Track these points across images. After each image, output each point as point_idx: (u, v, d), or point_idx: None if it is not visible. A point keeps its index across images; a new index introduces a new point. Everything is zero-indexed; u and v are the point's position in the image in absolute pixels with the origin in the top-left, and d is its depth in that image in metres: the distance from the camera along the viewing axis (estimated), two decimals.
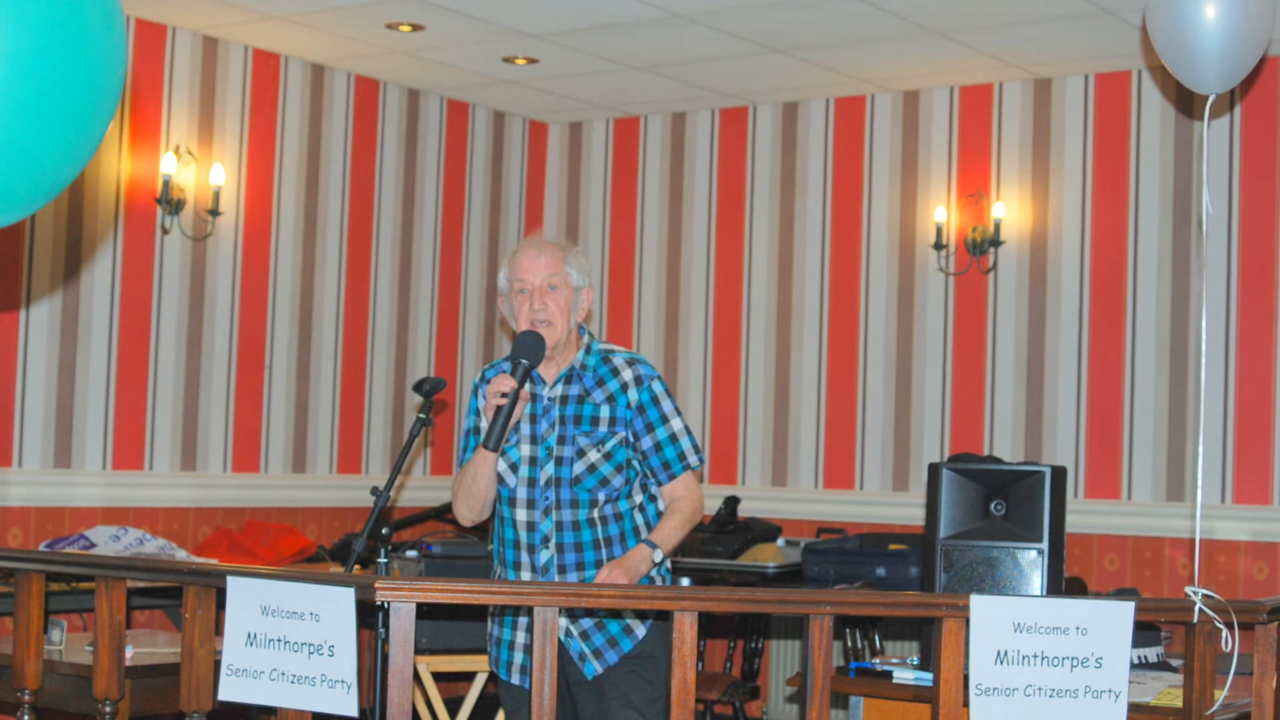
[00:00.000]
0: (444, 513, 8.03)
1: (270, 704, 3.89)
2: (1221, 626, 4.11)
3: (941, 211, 8.14)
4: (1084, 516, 7.63)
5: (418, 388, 4.68)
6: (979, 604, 3.94)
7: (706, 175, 8.88)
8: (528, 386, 4.56)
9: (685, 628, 3.84)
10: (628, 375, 4.63)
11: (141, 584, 5.86)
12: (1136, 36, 7.18)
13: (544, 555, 4.57)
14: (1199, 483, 4.47)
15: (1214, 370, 7.49)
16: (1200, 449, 4.55)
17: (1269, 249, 7.46)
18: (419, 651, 5.86)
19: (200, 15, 7.37)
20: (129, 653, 4.92)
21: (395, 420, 8.56)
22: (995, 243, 8.01)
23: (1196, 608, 4.08)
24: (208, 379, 7.72)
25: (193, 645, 4.14)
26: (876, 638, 6.49)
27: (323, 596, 3.78)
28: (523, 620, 4.58)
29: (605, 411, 4.59)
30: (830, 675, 3.93)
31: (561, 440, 4.58)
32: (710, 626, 8.02)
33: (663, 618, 4.50)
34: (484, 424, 4.59)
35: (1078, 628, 3.94)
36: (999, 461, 4.97)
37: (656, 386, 4.65)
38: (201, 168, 7.61)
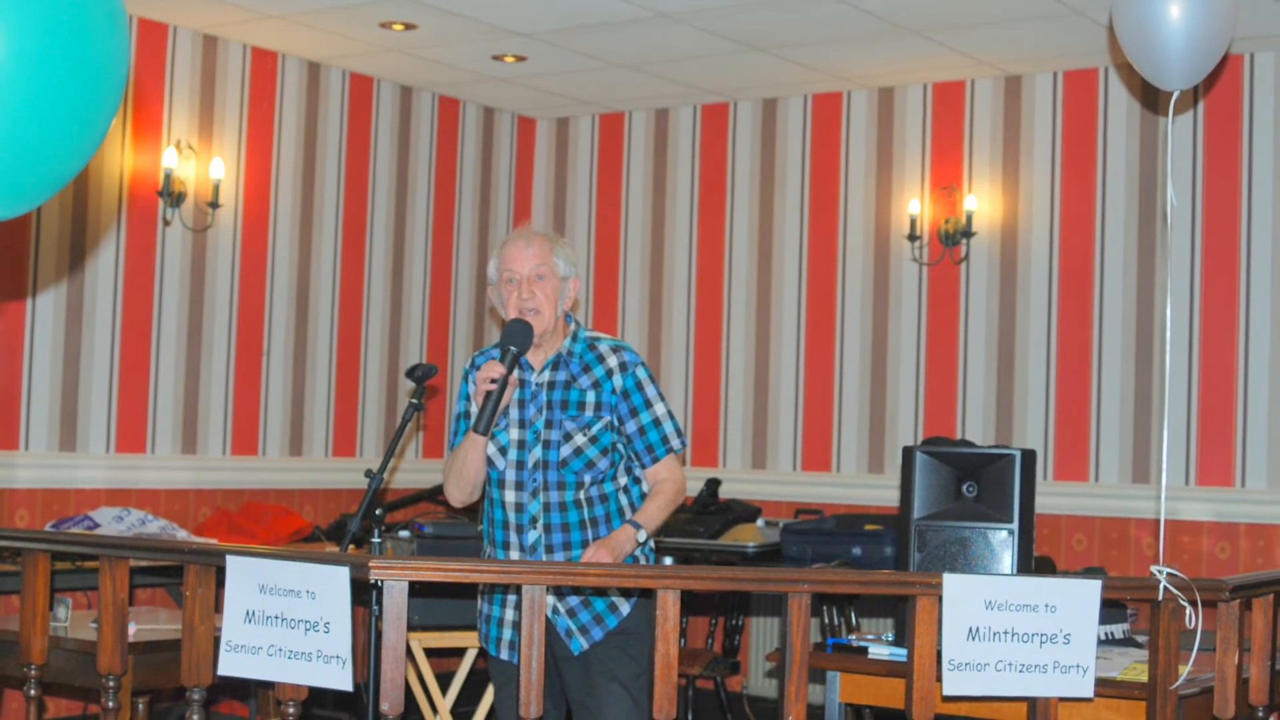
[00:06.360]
0: (435, 494, 8.03)
1: (268, 679, 3.94)
2: (1185, 604, 4.15)
3: (915, 204, 8.17)
4: (1053, 498, 7.65)
5: (410, 374, 4.74)
6: (951, 582, 3.98)
7: (689, 169, 8.89)
8: (516, 373, 4.57)
9: (668, 605, 3.87)
10: (613, 362, 4.68)
11: (144, 563, 5.85)
12: (1104, 35, 7.20)
13: (532, 535, 4.61)
14: (1164, 465, 4.35)
15: (1178, 357, 7.50)
16: (1165, 433, 4.52)
17: (1231, 240, 7.49)
18: (411, 628, 5.85)
19: (200, 14, 7.40)
20: (132, 629, 4.88)
21: (389, 405, 8.58)
22: (967, 234, 8.05)
23: (1161, 586, 4.12)
24: (208, 365, 7.76)
25: (193, 622, 4.17)
26: (853, 615, 6.61)
27: (319, 575, 3.82)
28: (511, 598, 4.60)
29: (591, 397, 4.63)
30: (808, 651, 3.97)
31: (549, 424, 4.62)
32: (692, 604, 7.95)
33: (647, 595, 4.52)
34: (474, 409, 4.62)
35: (1047, 605, 3.98)
36: (971, 445, 4.99)
37: (640, 373, 4.69)
38: (201, 162, 7.65)
